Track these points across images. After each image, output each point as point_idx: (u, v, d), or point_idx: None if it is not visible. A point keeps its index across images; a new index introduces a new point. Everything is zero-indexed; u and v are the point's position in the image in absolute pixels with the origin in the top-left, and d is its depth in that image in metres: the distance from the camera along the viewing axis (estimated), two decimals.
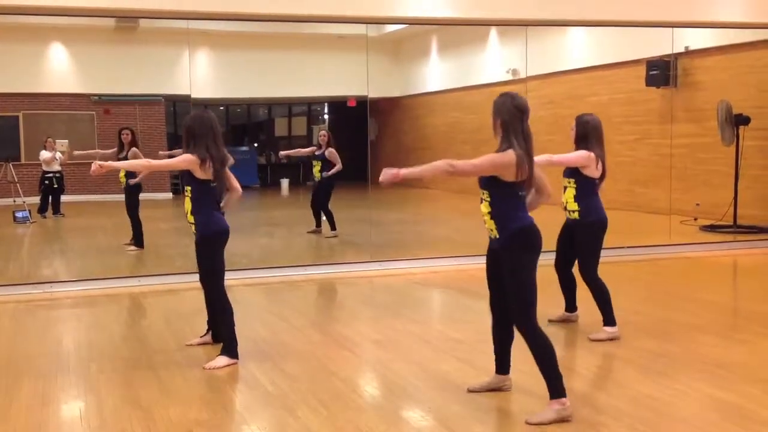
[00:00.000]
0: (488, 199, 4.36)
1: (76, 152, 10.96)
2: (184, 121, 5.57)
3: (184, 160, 5.37)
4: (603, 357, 5.67)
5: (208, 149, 5.33)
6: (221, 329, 5.62)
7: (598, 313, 6.03)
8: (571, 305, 6.47)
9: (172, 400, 4.78)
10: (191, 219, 5.47)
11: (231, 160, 5.61)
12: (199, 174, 5.37)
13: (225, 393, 5.03)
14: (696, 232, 11.28)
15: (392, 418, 4.49)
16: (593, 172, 5.92)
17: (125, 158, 10.39)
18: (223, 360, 5.48)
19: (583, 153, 5.90)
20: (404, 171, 4.17)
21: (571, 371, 5.30)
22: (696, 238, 10.85)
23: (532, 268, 4.34)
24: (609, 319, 6.00)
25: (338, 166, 11.66)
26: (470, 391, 4.80)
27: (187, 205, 5.48)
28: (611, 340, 5.92)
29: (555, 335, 6.12)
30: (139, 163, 6.21)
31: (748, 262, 9.71)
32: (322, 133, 11.86)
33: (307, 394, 4.83)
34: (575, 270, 6.24)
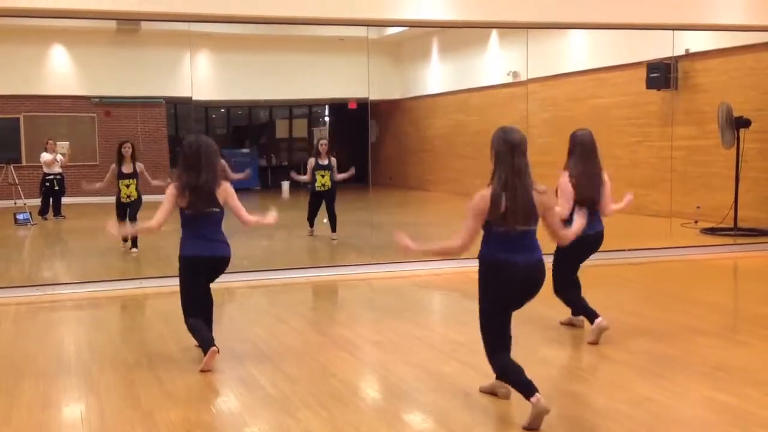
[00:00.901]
0: None
1: (85, 186, 11.00)
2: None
3: (169, 200, 5.50)
4: (602, 359, 5.68)
5: (182, 176, 5.46)
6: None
7: (607, 314, 6.02)
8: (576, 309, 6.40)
9: (173, 402, 4.79)
10: None
11: (228, 195, 5.63)
12: (178, 202, 5.49)
13: (226, 395, 5.04)
14: (696, 235, 11.29)
15: (393, 420, 4.49)
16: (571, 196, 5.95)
17: (133, 174, 10.43)
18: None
19: (561, 200, 5.89)
20: (414, 246, 4.51)
21: (570, 373, 5.32)
22: (696, 241, 10.85)
23: (488, 301, 4.43)
24: (589, 317, 6.00)
25: (352, 170, 11.58)
26: (481, 390, 4.86)
27: None
28: (602, 331, 5.89)
29: (556, 338, 6.14)
30: (147, 227, 6.20)
31: (749, 264, 9.72)
32: (322, 143, 11.77)
33: (308, 396, 4.84)
34: (580, 275, 6.24)
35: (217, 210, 5.57)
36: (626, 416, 4.42)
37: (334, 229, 11.62)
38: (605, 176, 6.11)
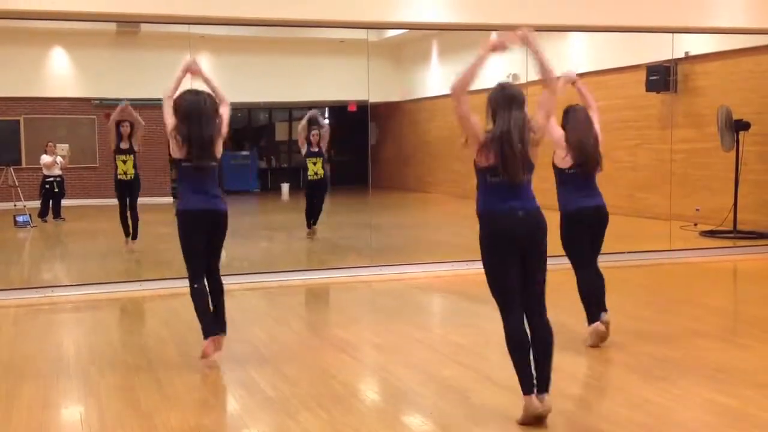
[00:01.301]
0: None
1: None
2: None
3: (169, 119, 5.49)
4: (603, 361, 5.68)
5: (183, 128, 5.41)
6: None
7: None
8: (593, 315, 5.98)
9: (172, 405, 4.78)
10: None
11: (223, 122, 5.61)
12: (173, 150, 5.45)
13: (225, 397, 5.04)
14: (696, 238, 11.28)
15: (393, 422, 4.49)
16: (559, 159, 5.84)
17: (130, 149, 10.48)
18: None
19: (559, 130, 5.83)
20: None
21: (568, 375, 5.31)
22: (696, 244, 10.85)
23: (487, 253, 4.37)
24: (589, 317, 5.86)
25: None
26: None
27: None
28: (599, 335, 5.79)
29: (557, 341, 6.13)
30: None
31: (748, 267, 9.72)
32: (314, 133, 11.89)
33: (308, 399, 4.83)
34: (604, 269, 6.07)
35: (215, 164, 5.58)
36: (626, 418, 4.42)
37: (315, 222, 11.67)
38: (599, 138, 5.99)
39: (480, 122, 4.38)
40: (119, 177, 10.56)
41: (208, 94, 5.61)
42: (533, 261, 4.38)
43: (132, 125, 10.62)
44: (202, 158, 5.46)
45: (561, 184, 5.92)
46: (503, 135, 4.27)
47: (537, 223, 4.38)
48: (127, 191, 10.57)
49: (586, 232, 5.90)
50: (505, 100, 4.37)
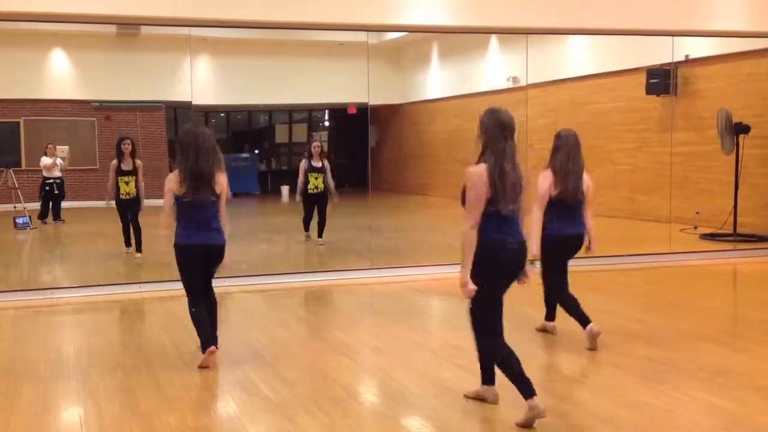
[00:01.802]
0: None
1: (108, 200, 10.99)
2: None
3: (169, 188, 5.57)
4: (602, 364, 5.67)
5: (183, 163, 5.50)
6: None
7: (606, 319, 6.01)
8: (583, 319, 6.18)
9: (171, 407, 4.78)
10: None
11: (218, 174, 5.65)
12: (175, 188, 5.54)
13: (225, 399, 5.04)
14: (696, 241, 11.29)
15: (392, 425, 4.49)
16: (551, 191, 5.97)
17: (132, 171, 10.41)
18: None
19: (540, 180, 5.97)
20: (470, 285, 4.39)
21: (567, 377, 5.31)
22: (696, 247, 10.86)
23: (486, 283, 4.42)
24: (582, 322, 5.98)
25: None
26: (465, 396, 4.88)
27: None
28: (596, 336, 5.89)
29: (557, 343, 6.13)
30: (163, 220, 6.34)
31: (748, 270, 9.72)
32: (315, 145, 11.85)
33: (307, 401, 4.83)
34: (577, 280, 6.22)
35: (215, 199, 5.64)
36: (626, 421, 4.42)
37: (320, 234, 11.65)
38: (587, 178, 6.10)
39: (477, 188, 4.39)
40: (121, 197, 10.51)
41: (208, 130, 5.68)
42: (509, 285, 4.57)
43: (133, 143, 10.57)
44: (200, 193, 5.53)
45: (548, 209, 6.06)
46: (499, 167, 4.35)
47: (523, 257, 4.55)
48: (129, 209, 10.53)
49: (567, 257, 6.18)
50: (499, 128, 4.43)
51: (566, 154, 5.96)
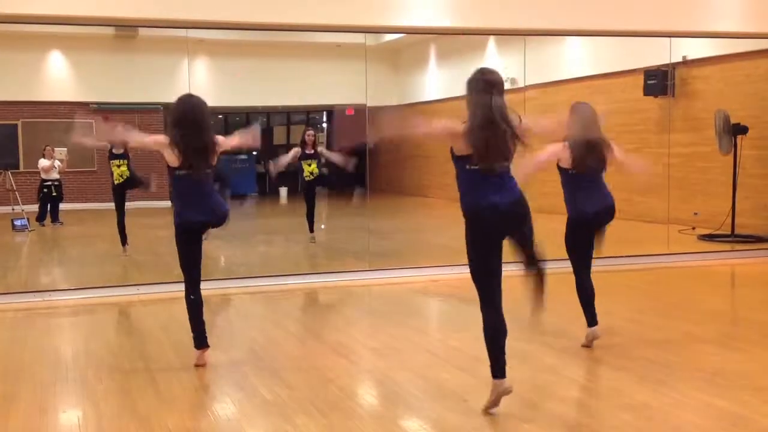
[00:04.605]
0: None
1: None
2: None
3: (155, 140, 5.45)
4: (601, 365, 5.67)
5: (180, 135, 5.34)
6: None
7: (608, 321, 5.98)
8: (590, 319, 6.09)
9: (169, 409, 4.78)
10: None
11: (220, 146, 5.57)
12: (168, 159, 5.38)
13: (223, 401, 5.03)
14: (694, 242, 11.29)
15: (391, 426, 4.49)
16: (565, 162, 5.80)
17: (124, 154, 10.48)
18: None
19: (551, 147, 5.78)
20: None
21: (567, 379, 5.31)
22: (694, 248, 10.86)
23: (475, 245, 4.38)
24: (588, 320, 5.94)
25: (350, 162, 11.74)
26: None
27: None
28: (593, 338, 5.88)
29: (556, 344, 6.13)
30: (117, 135, 6.55)
31: (746, 271, 9.72)
32: (309, 134, 11.92)
33: (306, 403, 4.83)
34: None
35: (210, 170, 5.55)
36: (625, 422, 4.42)
37: (311, 229, 11.69)
38: (611, 143, 5.86)
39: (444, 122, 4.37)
40: (116, 182, 10.57)
41: (203, 100, 5.58)
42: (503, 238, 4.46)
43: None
44: (201, 168, 5.41)
45: (566, 185, 5.90)
46: (484, 124, 4.23)
47: (519, 213, 4.41)
48: (126, 193, 10.59)
49: (586, 235, 5.95)
50: (486, 84, 4.31)
51: (582, 123, 5.65)
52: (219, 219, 5.61)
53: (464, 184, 4.39)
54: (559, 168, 5.89)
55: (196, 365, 5.57)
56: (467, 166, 4.32)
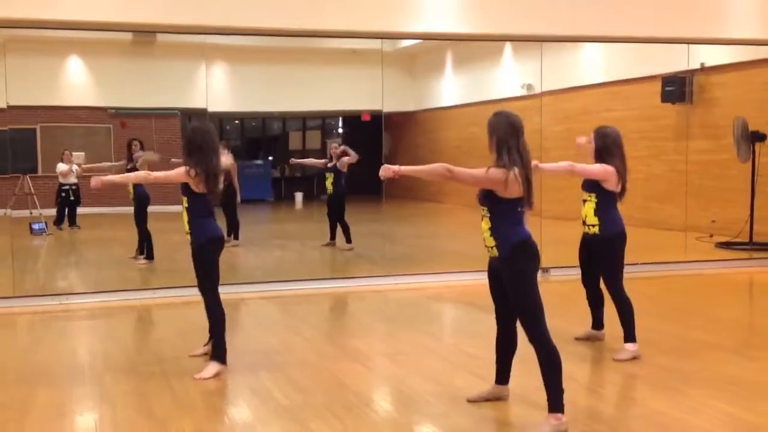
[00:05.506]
0: (488, 215, 4.43)
1: (86, 165, 11.08)
2: (186, 132, 5.80)
3: (178, 173, 5.53)
4: (616, 373, 5.65)
5: (202, 163, 5.47)
6: (213, 335, 5.70)
7: (620, 330, 5.98)
8: (597, 322, 6.37)
9: (186, 412, 4.80)
10: (187, 229, 5.61)
11: (229, 169, 5.81)
12: (194, 187, 5.52)
13: (239, 405, 5.05)
14: (711, 249, 11.23)
15: None
16: (613, 186, 5.87)
17: (135, 169, 10.49)
18: (213, 368, 5.53)
19: (603, 167, 5.85)
20: (404, 168, 4.46)
21: (584, 387, 5.29)
22: (711, 255, 10.80)
23: (533, 280, 4.41)
24: (629, 335, 5.91)
25: (353, 156, 11.76)
26: (470, 401, 4.85)
27: (184, 215, 5.61)
28: (634, 358, 5.84)
29: (573, 351, 6.11)
30: (137, 175, 7.00)
31: (764, 279, 9.66)
32: (333, 146, 11.96)
33: (321, 407, 4.84)
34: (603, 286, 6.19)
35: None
36: (639, 430, 4.41)
37: (348, 240, 11.65)
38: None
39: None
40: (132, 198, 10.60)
41: (213, 126, 5.84)
42: None
43: (141, 143, 10.66)
44: (217, 189, 5.64)
45: (613, 207, 5.95)
46: (523, 167, 4.36)
47: None
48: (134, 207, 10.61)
49: (588, 256, 6.21)
50: (514, 129, 4.40)
51: (618, 151, 5.87)
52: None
53: (517, 223, 4.42)
54: (599, 188, 5.90)
55: (203, 378, 5.47)
56: (519, 209, 4.41)
